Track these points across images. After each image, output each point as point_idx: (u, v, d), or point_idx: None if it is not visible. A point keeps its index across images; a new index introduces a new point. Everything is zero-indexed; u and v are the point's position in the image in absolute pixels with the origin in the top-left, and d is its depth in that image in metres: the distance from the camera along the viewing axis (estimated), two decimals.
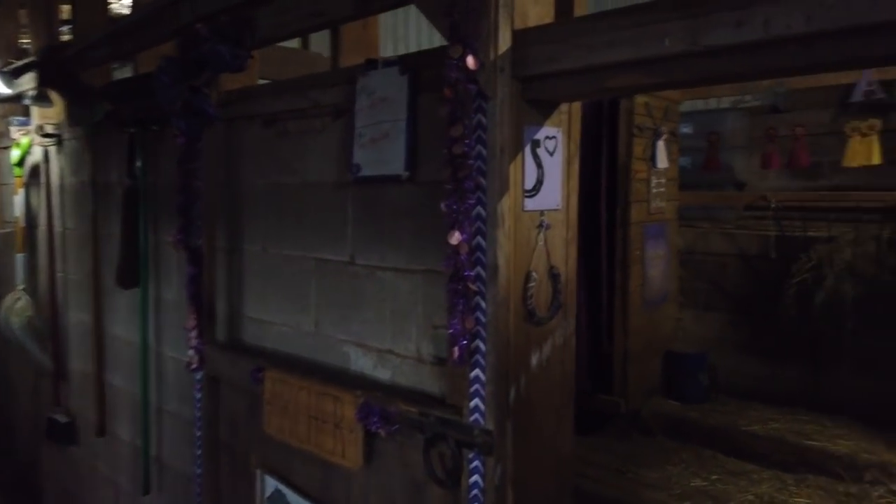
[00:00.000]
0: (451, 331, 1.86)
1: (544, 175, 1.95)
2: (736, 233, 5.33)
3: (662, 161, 5.09)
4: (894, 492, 3.84)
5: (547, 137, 1.94)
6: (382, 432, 2.17)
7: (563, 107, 2.00)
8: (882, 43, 1.05)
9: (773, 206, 5.02)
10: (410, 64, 2.26)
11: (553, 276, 2.03)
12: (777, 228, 5.00)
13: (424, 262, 2.25)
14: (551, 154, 1.96)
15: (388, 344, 2.40)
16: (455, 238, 1.83)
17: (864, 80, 4.51)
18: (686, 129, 5.65)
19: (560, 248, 2.05)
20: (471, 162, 1.82)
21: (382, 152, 2.29)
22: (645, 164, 5.01)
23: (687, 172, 5.52)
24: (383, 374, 2.40)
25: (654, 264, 5.09)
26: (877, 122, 4.51)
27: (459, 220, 1.83)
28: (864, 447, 4.20)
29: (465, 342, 1.83)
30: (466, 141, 1.79)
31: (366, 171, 2.39)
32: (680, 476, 4.27)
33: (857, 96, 4.61)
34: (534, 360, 1.96)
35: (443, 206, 1.88)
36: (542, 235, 1.97)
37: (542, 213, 1.98)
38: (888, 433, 4.34)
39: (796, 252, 4.84)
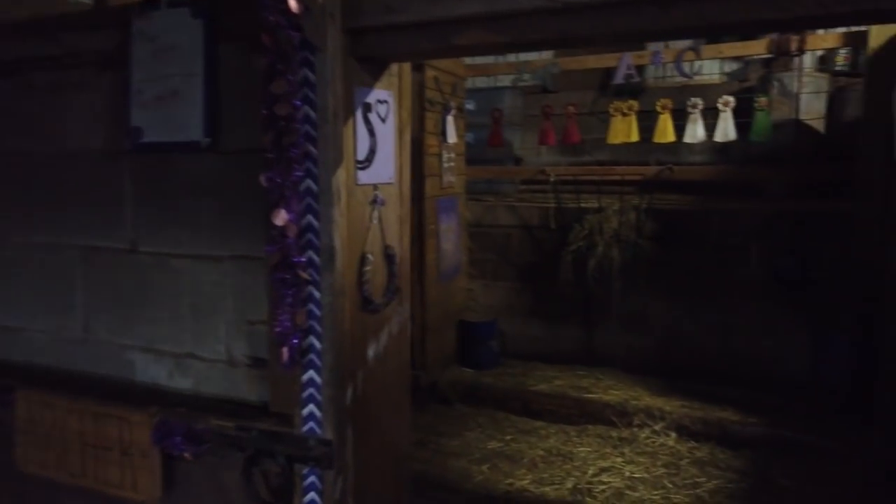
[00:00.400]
0: (277, 328, 1.57)
1: (377, 144, 1.74)
2: (518, 205, 5.60)
3: (452, 136, 5.14)
4: (657, 432, 4.35)
5: (379, 101, 1.73)
6: (188, 454, 1.80)
7: (394, 68, 1.79)
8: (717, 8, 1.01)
9: (552, 180, 5.35)
10: (206, 5, 1.86)
11: (388, 256, 1.84)
12: (555, 201, 5.35)
13: (234, 247, 1.90)
14: (383, 120, 1.76)
15: (188, 346, 2.01)
16: (281, 218, 1.54)
17: (624, 64, 4.96)
18: (469, 106, 5.77)
19: (394, 226, 1.86)
20: (298, 126, 1.53)
21: (172, 114, 1.87)
22: (436, 139, 5.00)
23: (470, 148, 5.66)
24: (184, 383, 2.01)
25: (448, 237, 5.15)
26: (635, 104, 5.00)
27: (285, 197, 1.54)
28: (632, 395, 4.71)
29: (296, 341, 1.56)
30: (293, 101, 1.50)
31: (150, 137, 1.93)
32: (478, 440, 4.41)
33: (619, 79, 5.06)
34: (371, 352, 1.76)
35: (263, 179, 1.57)
36: (376, 213, 1.77)
37: (375, 187, 1.77)
38: (649, 380, 4.93)
39: (572, 222, 5.24)
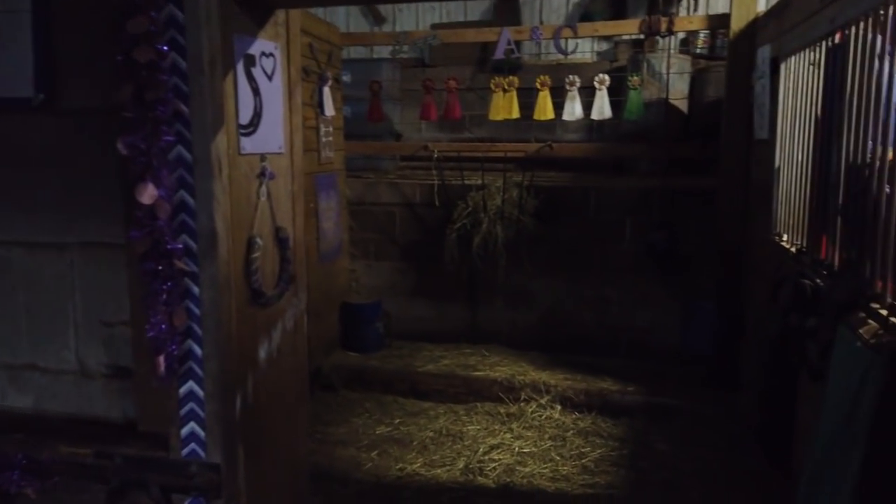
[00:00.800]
0: (151, 333, 1.30)
1: (263, 106, 1.49)
2: (401, 182, 5.44)
3: (329, 108, 4.85)
4: (543, 405, 4.42)
5: (264, 54, 1.48)
6: (30, 492, 1.46)
7: (281, 16, 1.53)
8: None
9: (435, 156, 5.23)
10: None
11: (280, 240, 1.61)
12: (439, 178, 5.24)
13: (83, 232, 1.58)
14: (270, 77, 1.51)
15: (24, 355, 1.66)
16: (148, 195, 1.26)
17: (504, 39, 4.92)
18: (345, 78, 5.49)
19: (285, 204, 1.63)
20: (164, 78, 1.25)
21: None
22: (313, 111, 4.70)
23: (348, 122, 5.40)
24: (21, 401, 1.66)
25: (327, 216, 4.89)
26: (515, 80, 4.98)
27: (152, 167, 1.25)
28: (518, 370, 4.76)
29: (174, 347, 1.30)
30: (158, 45, 1.21)
31: None
32: (366, 426, 4.27)
33: (499, 54, 5.02)
34: (262, 353, 1.53)
35: (121, 145, 1.27)
36: (264, 188, 1.53)
37: (262, 157, 1.53)
38: (533, 355, 5.00)
39: (456, 200, 5.16)
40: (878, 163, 2.18)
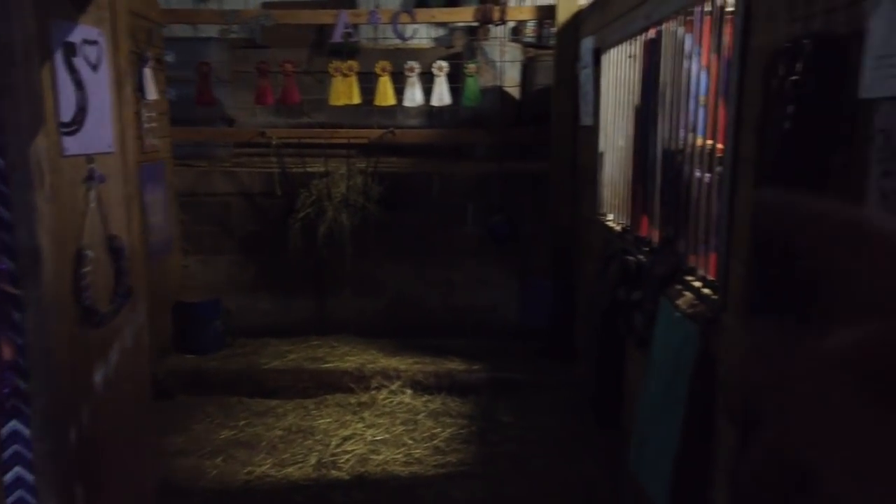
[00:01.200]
0: None
1: (87, 100, 1.31)
2: (238, 171, 5.15)
3: (152, 92, 4.45)
4: (394, 391, 4.46)
5: (86, 41, 1.29)
6: None
7: None
8: None
9: (274, 143, 5.00)
10: None
11: (115, 250, 1.43)
12: (279, 165, 5.03)
13: None
14: (94, 68, 1.33)
15: None
16: None
17: (342, 22, 4.81)
18: (168, 58, 5.06)
19: (119, 210, 1.45)
20: None
21: None
22: (133, 95, 4.28)
23: (173, 106, 5.00)
24: None
25: (155, 210, 4.50)
26: (355, 64, 4.90)
27: None
28: (368, 359, 4.74)
29: (5, 390, 1.09)
30: None
31: None
32: (208, 432, 4.03)
33: (337, 37, 4.90)
34: (98, 378, 1.36)
35: None
36: (93, 193, 1.34)
37: (90, 159, 1.34)
38: (383, 342, 5.00)
39: (298, 188, 4.99)
40: (688, 149, 2.42)
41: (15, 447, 1.14)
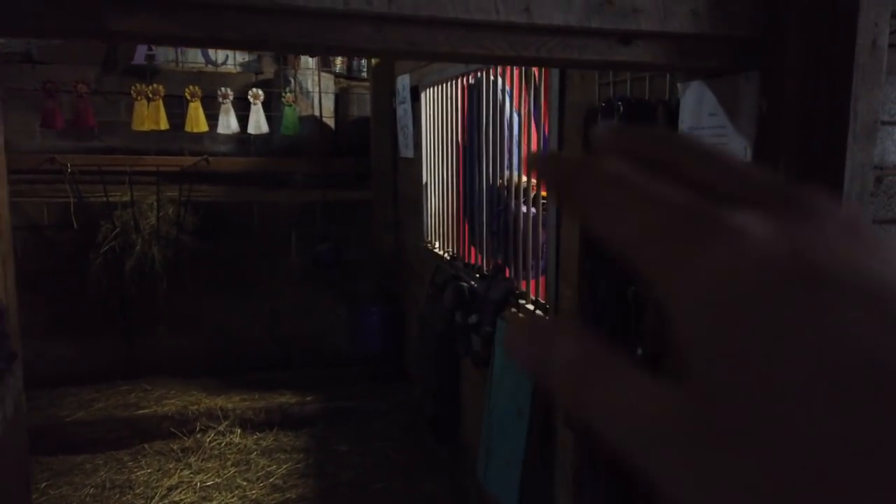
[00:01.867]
0: None
1: None
2: (21, 201, 4.56)
3: None
4: (222, 432, 4.25)
5: None
6: None
7: None
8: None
9: (69, 170, 4.52)
10: None
11: None
12: (75, 195, 4.55)
13: None
14: None
15: None
16: None
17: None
18: None
19: None
20: None
21: None
22: None
23: None
24: None
25: None
26: (161, 88, 4.62)
27: None
28: (190, 400, 4.47)
29: None
30: None
31: None
32: (3, 501, 3.53)
33: (140, 59, 4.60)
34: None
35: None
36: None
37: None
38: (206, 381, 4.74)
39: (99, 220, 4.55)
40: (512, 186, 2.71)
41: None
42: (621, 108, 1.75)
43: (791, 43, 1.03)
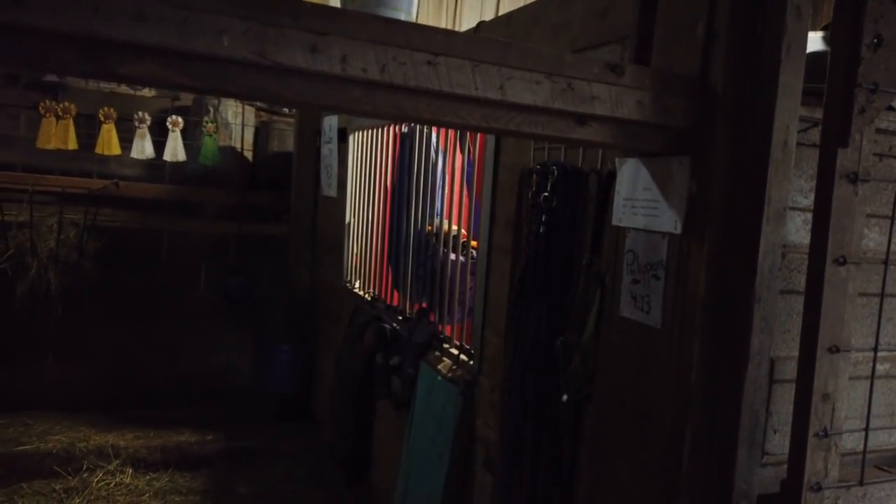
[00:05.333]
0: None
1: None
2: None
3: None
4: (112, 472, 4.00)
5: None
6: None
7: None
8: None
9: None
10: None
11: None
12: None
13: None
14: None
15: None
16: None
17: None
18: None
19: None
20: None
21: None
22: None
23: None
24: None
25: None
26: (73, 107, 4.42)
27: None
28: (77, 436, 4.18)
29: None
30: None
31: None
32: None
33: (51, 75, 4.39)
34: None
35: None
36: None
37: None
38: (96, 416, 4.44)
39: None
40: (441, 233, 2.81)
41: None
42: (555, 173, 1.91)
43: (719, 136, 1.21)
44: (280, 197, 5.08)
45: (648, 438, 1.32)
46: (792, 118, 1.18)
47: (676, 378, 1.26)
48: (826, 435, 1.23)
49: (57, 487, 3.83)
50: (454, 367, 2.54)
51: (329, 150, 4.48)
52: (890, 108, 1.33)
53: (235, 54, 0.99)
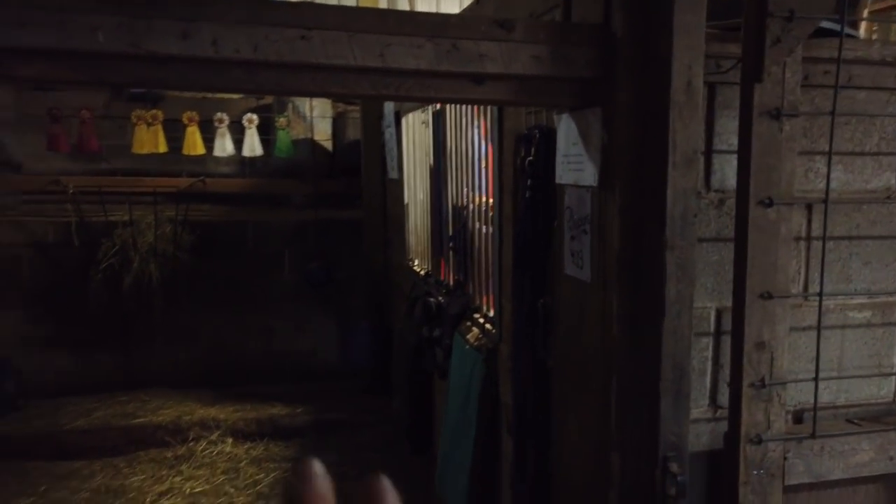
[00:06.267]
0: None
1: None
2: (27, 220, 4.82)
3: None
4: (214, 442, 4.41)
5: None
6: None
7: None
8: (310, 79, 1.23)
9: (70, 191, 4.77)
10: None
11: None
12: (76, 214, 4.79)
13: None
14: None
15: None
16: None
17: None
18: None
19: None
20: None
21: None
22: None
23: None
24: None
25: None
26: (160, 114, 4.86)
27: None
28: (184, 410, 4.64)
29: None
30: None
31: None
32: (4, 501, 3.72)
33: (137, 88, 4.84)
34: None
35: None
36: None
37: None
38: (200, 393, 4.92)
39: (99, 238, 4.79)
40: (471, 206, 2.85)
41: None
42: (537, 137, 1.90)
43: (621, 84, 1.18)
44: (353, 183, 5.30)
45: (586, 394, 1.33)
46: (695, 58, 1.13)
47: (602, 332, 1.26)
48: (763, 385, 1.18)
49: (168, 455, 4.29)
50: (481, 335, 2.59)
51: (389, 133, 4.61)
52: (831, 33, 1.23)
53: (111, 48, 1.10)
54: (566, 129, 1.36)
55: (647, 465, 1.19)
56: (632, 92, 1.16)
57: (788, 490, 1.22)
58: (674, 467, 1.17)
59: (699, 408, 1.30)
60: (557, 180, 1.43)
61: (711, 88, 1.23)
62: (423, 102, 2.01)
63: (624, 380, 1.22)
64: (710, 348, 1.30)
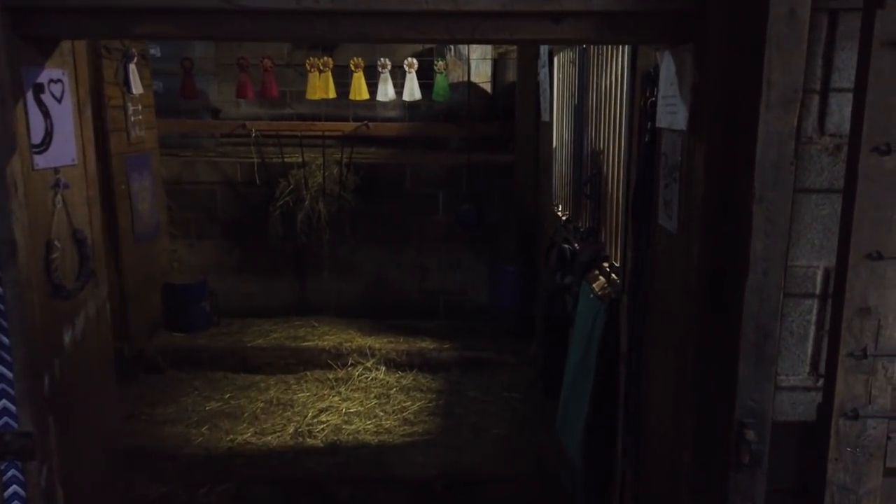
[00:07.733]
0: None
1: (53, 126, 1.63)
2: (220, 160, 5.44)
3: (137, 86, 4.72)
4: (369, 368, 4.80)
5: (52, 81, 1.61)
6: None
7: (66, 45, 1.67)
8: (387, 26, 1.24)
9: (254, 134, 5.30)
10: None
11: (78, 241, 1.76)
12: (259, 156, 5.33)
13: None
14: (59, 100, 1.64)
15: None
16: None
17: None
18: (154, 51, 5.34)
19: (82, 209, 1.79)
20: None
21: None
22: (118, 90, 4.57)
23: (160, 98, 5.29)
24: None
25: (142, 198, 4.81)
26: (330, 60, 5.17)
27: None
28: (345, 338, 5.08)
29: None
30: None
31: None
32: (195, 404, 4.37)
33: None
34: (67, 338, 1.70)
35: None
36: (59, 197, 1.68)
37: (56, 170, 1.67)
38: (360, 322, 5.34)
39: (277, 177, 5.29)
40: (607, 150, 2.73)
41: (1, 385, 1.52)
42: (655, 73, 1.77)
43: (713, 16, 1.06)
44: (508, 126, 5.28)
45: (668, 350, 1.27)
46: None
47: (683, 287, 1.18)
48: (864, 356, 1.05)
49: (330, 377, 4.75)
50: (606, 285, 2.53)
51: (544, 74, 4.50)
52: None
53: (207, 4, 1.21)
54: (666, 69, 1.26)
55: (721, 429, 1.12)
56: (726, 24, 1.04)
57: (891, 473, 1.09)
58: (750, 434, 1.09)
59: (797, 375, 1.19)
60: (658, 124, 1.33)
61: (833, 16, 1.06)
62: (499, 43, 1.94)
63: (703, 339, 1.15)
64: (814, 312, 1.17)
